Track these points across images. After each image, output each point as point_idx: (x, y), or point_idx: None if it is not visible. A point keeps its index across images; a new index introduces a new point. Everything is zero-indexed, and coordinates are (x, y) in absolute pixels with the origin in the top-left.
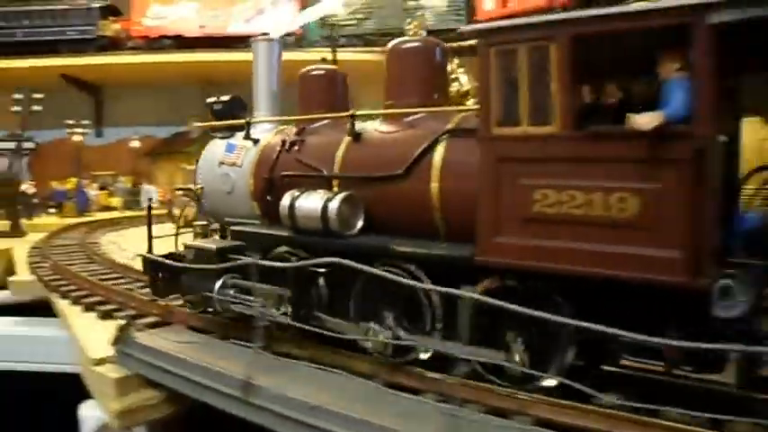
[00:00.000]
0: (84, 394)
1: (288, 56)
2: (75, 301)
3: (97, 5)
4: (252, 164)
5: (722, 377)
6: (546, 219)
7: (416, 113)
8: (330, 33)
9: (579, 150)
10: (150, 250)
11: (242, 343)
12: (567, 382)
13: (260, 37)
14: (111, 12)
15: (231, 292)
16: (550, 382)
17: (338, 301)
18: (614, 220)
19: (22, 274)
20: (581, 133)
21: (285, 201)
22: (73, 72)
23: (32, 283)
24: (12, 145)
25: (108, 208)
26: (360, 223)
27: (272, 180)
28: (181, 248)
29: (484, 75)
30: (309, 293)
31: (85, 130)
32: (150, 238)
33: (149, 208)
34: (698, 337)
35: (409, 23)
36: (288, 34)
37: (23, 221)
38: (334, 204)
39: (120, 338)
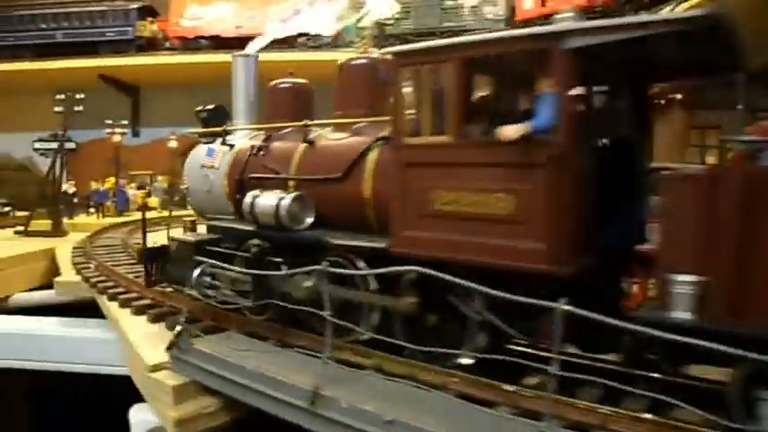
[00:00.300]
0: (133, 397)
1: (324, 56)
2: (125, 304)
3: (135, 7)
4: (226, 166)
5: None
6: (442, 215)
7: (360, 123)
8: (378, 33)
9: (467, 157)
10: (145, 243)
11: (307, 352)
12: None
13: (238, 52)
14: (148, 13)
15: (208, 279)
16: (467, 360)
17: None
18: (496, 216)
19: (67, 274)
20: (469, 142)
21: (247, 199)
22: (111, 72)
23: (78, 284)
24: (54, 145)
25: (146, 208)
26: (310, 219)
27: (242, 181)
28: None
29: (396, 91)
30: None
31: (124, 130)
32: (144, 232)
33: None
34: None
35: (359, 44)
36: (323, 35)
37: (65, 221)
38: (285, 203)
39: (176, 344)
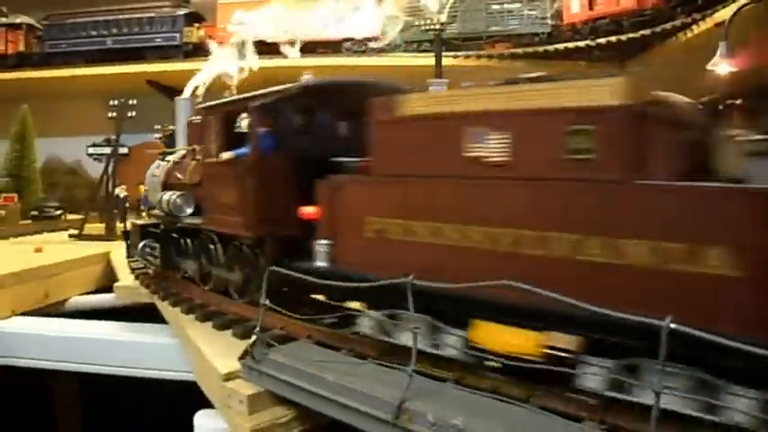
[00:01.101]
0: (187, 401)
1: (370, 61)
2: (189, 311)
3: (182, 13)
4: (162, 175)
5: None
6: (219, 204)
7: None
8: (434, 38)
9: (224, 170)
10: (125, 225)
11: (390, 364)
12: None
13: (180, 96)
14: (195, 19)
15: (148, 250)
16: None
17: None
18: (231, 204)
19: (124, 278)
20: (222, 161)
21: (158, 196)
22: (158, 78)
23: (138, 289)
24: (108, 150)
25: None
26: (189, 210)
27: (165, 185)
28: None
29: (204, 130)
30: (172, 247)
31: None
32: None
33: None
34: None
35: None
36: (369, 39)
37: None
38: (172, 198)
39: (251, 353)
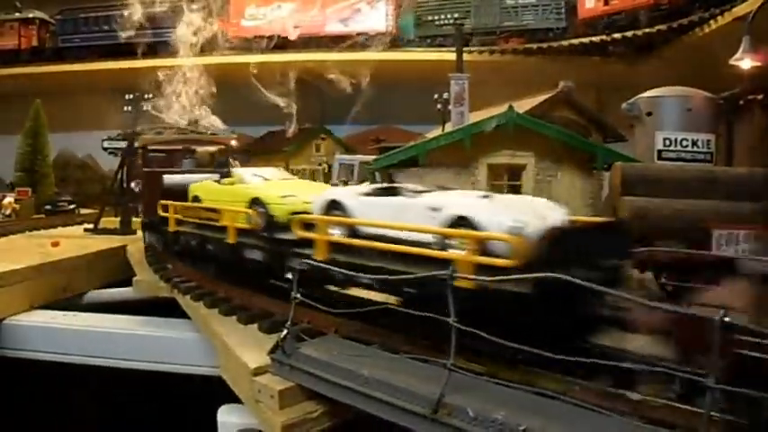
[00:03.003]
0: (219, 398)
1: (382, 56)
2: (212, 305)
3: (196, 8)
4: None
5: None
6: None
7: None
8: (457, 33)
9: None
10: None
11: (425, 358)
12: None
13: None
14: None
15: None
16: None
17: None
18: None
19: (141, 272)
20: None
21: None
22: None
23: (157, 283)
24: (123, 144)
25: None
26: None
27: None
28: None
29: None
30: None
31: None
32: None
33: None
34: None
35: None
36: (381, 34)
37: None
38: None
39: (281, 348)
